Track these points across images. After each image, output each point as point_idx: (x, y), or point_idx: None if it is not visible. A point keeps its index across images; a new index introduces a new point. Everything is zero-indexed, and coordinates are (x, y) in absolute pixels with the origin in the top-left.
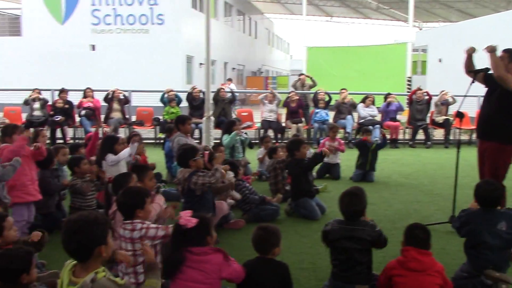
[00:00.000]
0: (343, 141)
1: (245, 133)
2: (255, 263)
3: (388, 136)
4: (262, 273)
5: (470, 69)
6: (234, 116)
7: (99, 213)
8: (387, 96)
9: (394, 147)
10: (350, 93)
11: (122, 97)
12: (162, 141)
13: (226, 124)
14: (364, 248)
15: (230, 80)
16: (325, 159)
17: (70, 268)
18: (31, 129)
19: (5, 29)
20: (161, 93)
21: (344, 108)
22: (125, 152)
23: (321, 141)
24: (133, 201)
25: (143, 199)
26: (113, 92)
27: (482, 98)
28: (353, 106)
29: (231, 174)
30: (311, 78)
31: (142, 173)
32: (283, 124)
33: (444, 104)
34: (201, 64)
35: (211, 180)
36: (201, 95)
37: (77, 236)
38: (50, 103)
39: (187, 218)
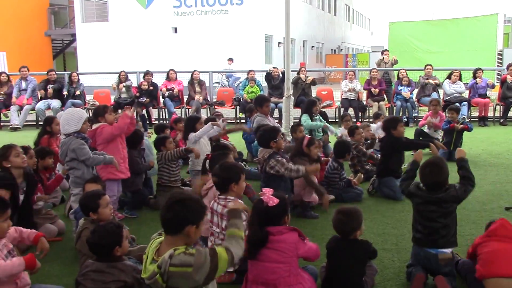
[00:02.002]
0: (444, 115)
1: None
2: (337, 242)
3: (476, 114)
4: (344, 252)
5: None
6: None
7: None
8: (476, 71)
9: (483, 125)
10: (435, 69)
11: (201, 78)
12: (243, 121)
13: (306, 103)
14: (448, 210)
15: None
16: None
17: (155, 246)
18: (119, 111)
19: (93, 15)
20: (239, 72)
21: (428, 85)
22: (204, 129)
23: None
24: (229, 175)
25: (239, 175)
26: (192, 74)
27: None
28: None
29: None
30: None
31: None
32: (364, 103)
33: None
34: (279, 43)
35: (285, 173)
36: (280, 75)
37: (176, 207)
38: (135, 85)
39: (270, 196)
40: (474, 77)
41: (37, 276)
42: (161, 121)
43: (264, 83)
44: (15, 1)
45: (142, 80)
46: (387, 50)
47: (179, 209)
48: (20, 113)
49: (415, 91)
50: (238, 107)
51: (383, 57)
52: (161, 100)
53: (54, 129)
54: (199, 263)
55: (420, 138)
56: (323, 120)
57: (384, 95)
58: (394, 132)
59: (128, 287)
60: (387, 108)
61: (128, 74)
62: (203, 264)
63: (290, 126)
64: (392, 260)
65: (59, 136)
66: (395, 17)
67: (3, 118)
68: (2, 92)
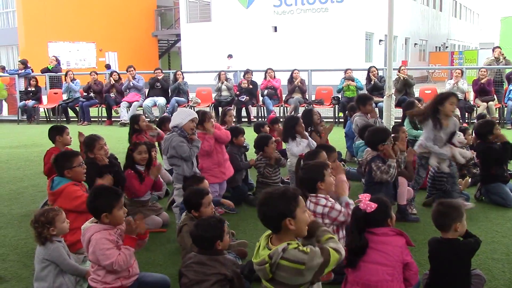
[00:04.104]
0: None
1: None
2: (438, 243)
3: None
4: (446, 254)
5: None
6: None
7: (290, 188)
8: None
9: None
10: None
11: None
12: (341, 120)
13: (403, 108)
14: None
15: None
16: None
17: (267, 235)
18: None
19: (197, 15)
20: (338, 70)
21: None
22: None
23: None
24: (312, 175)
25: (322, 172)
26: (292, 72)
27: None
28: None
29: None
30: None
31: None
32: (471, 103)
33: None
34: (380, 40)
35: (382, 177)
36: (380, 73)
37: (263, 208)
38: (235, 83)
39: (367, 202)
40: None
41: (142, 264)
42: (259, 119)
43: (364, 82)
44: (126, 4)
45: (242, 78)
46: (499, 47)
47: (266, 210)
48: (129, 110)
49: None
50: (337, 106)
51: (494, 57)
52: (260, 98)
53: (141, 126)
54: (312, 263)
55: None
56: None
57: (494, 95)
58: (491, 137)
59: (228, 281)
60: (497, 109)
61: (228, 73)
62: (316, 264)
63: (391, 126)
64: (502, 270)
65: (146, 133)
66: (507, 11)
67: (114, 114)
68: (114, 90)
